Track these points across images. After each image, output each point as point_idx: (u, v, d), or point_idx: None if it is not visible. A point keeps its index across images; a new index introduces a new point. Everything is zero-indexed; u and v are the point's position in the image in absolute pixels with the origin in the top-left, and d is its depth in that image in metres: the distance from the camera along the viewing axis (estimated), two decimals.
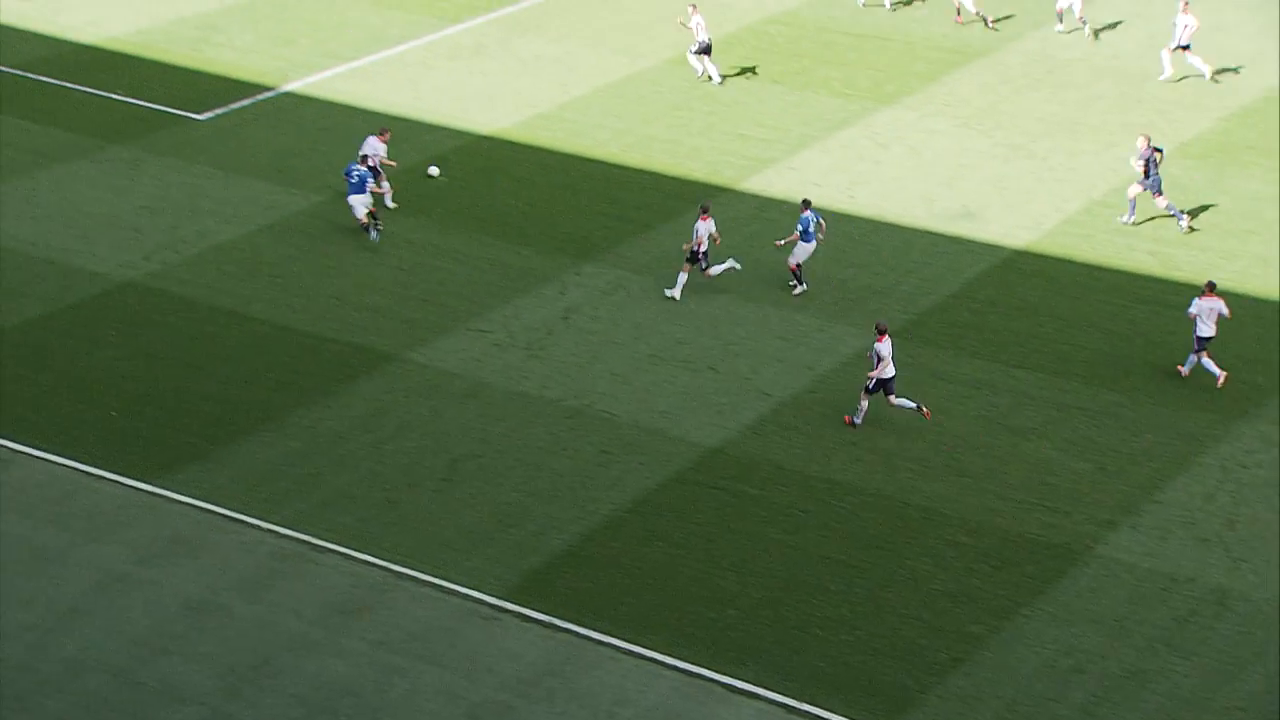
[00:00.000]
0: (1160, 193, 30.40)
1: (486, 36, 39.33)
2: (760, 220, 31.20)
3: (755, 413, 25.16)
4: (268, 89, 36.13)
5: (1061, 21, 39.44)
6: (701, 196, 31.80)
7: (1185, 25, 36.17)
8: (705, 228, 27.99)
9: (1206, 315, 25.69)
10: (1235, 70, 37.36)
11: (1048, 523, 22.75)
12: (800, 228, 28.12)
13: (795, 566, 21.84)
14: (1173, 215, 30.65)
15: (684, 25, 36.43)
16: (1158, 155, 30.34)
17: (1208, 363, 25.94)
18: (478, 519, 22.69)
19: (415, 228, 30.60)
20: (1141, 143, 30.38)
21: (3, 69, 36.44)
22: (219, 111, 35.00)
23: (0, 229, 29.95)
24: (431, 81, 36.80)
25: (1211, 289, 25.96)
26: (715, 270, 28.40)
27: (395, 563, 21.69)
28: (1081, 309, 28.25)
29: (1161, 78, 36.85)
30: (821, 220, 28.46)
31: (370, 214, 29.62)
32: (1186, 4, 36.20)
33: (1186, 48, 36.44)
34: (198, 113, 34.82)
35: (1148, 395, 25.75)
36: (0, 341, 26.80)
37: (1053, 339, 27.33)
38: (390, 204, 30.93)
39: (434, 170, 32.24)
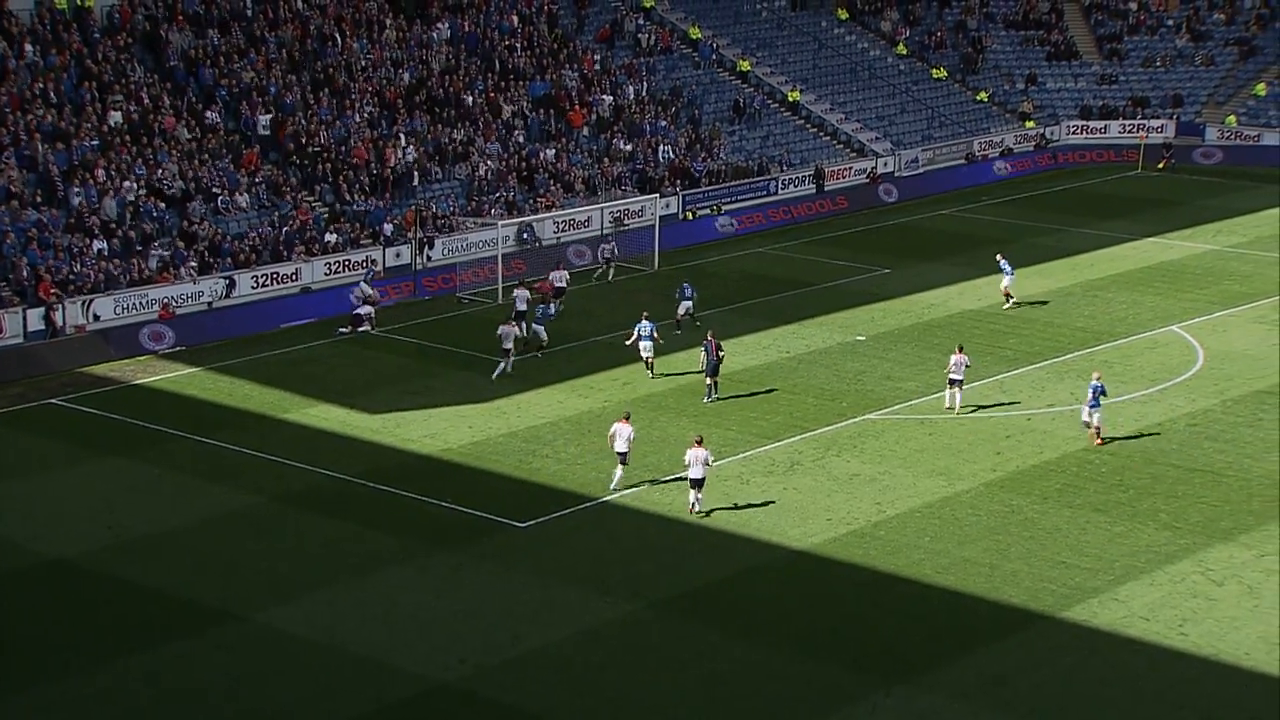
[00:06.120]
0: None
1: (802, 455, 39.67)
2: (1082, 650, 29.99)
3: None
4: (589, 499, 36.88)
5: None
6: (1021, 623, 30.83)
7: None
8: None
9: None
10: None
11: None
12: None
13: None
14: None
15: None
16: None
17: None
18: None
19: (724, 639, 30.31)
20: None
21: (347, 478, 38.19)
22: (540, 520, 35.78)
23: (327, 629, 30.75)
24: (745, 495, 37.06)
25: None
26: None
27: None
28: None
29: None
30: None
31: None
32: None
33: None
34: (520, 521, 35.66)
35: None
36: None
37: None
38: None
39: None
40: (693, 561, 33.84)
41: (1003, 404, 43.15)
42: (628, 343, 45.71)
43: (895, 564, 33.53)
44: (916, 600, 32.10)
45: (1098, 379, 40.21)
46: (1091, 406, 39.96)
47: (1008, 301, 52.58)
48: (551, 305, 49.39)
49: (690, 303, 50.32)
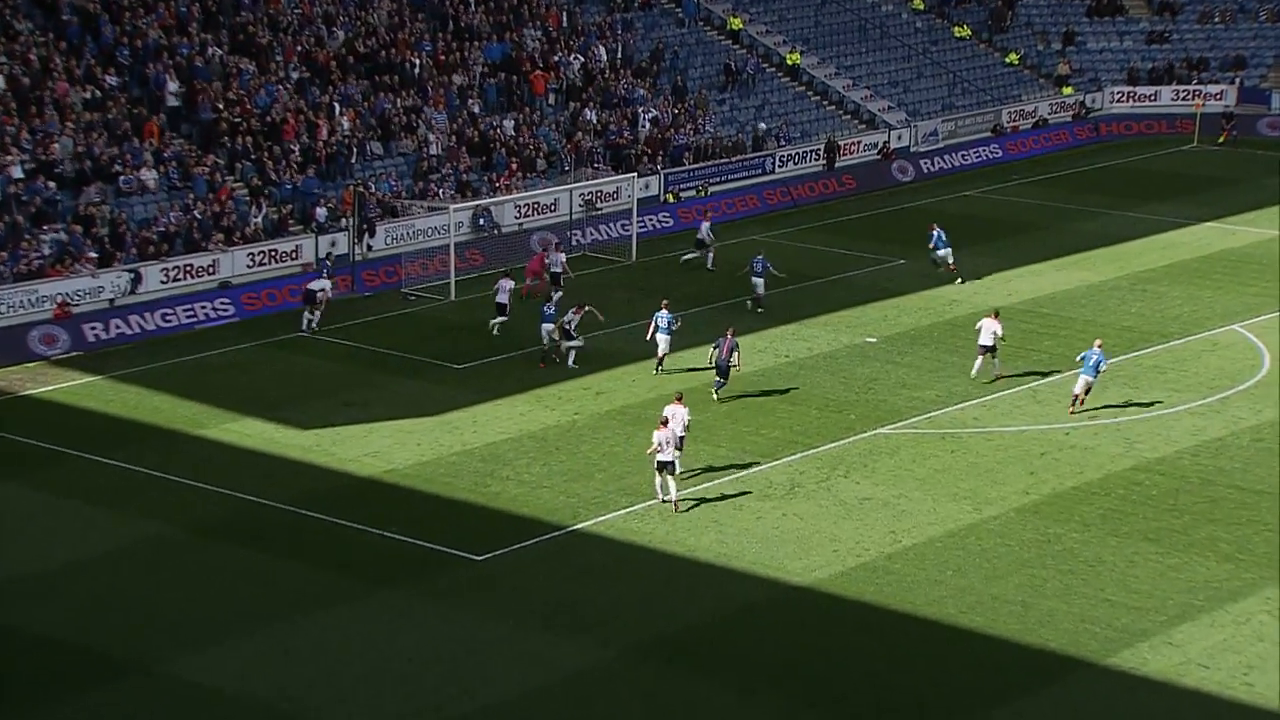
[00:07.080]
0: None
1: (804, 475, 39.54)
2: (1130, 703, 29.77)
3: None
4: (555, 528, 36.68)
5: None
6: (1059, 670, 30.63)
7: None
8: None
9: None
10: None
11: None
12: None
13: None
14: None
15: None
16: None
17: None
18: None
19: (714, 690, 30.17)
20: None
21: (274, 504, 37.96)
22: (500, 552, 35.54)
23: (251, 681, 30.42)
24: (739, 523, 36.90)
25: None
26: None
27: None
28: None
29: None
30: None
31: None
32: None
33: None
34: (477, 553, 35.42)
35: None
36: None
37: None
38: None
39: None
40: (677, 599, 33.74)
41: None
42: (647, 338, 46.23)
43: (912, 602, 33.41)
44: (938, 644, 31.99)
45: (1099, 347, 42.54)
46: (1086, 375, 42.33)
47: (958, 278, 54.63)
48: (553, 305, 48.16)
49: (762, 279, 51.76)
